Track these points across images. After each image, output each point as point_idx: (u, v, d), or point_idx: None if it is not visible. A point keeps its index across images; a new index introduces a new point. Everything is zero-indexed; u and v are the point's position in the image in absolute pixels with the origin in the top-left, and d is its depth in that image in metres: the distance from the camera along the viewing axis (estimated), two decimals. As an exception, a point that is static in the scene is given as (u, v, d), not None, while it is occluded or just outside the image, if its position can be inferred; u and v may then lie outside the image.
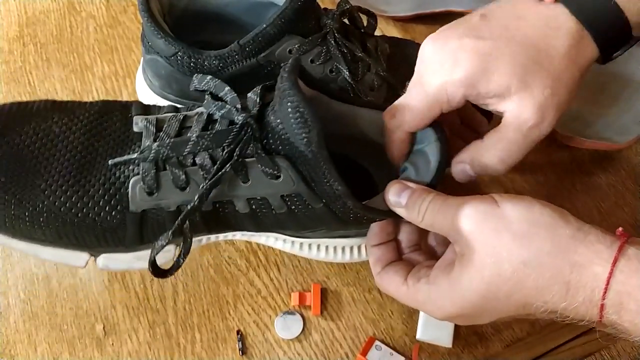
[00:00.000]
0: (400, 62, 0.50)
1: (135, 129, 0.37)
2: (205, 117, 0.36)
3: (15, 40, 0.61)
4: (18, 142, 0.35)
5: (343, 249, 0.45)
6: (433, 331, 0.45)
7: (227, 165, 0.34)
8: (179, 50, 0.46)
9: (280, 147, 0.34)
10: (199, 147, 0.35)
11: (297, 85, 0.33)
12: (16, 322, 0.47)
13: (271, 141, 0.34)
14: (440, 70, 0.37)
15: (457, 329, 0.45)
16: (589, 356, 0.45)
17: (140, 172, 0.35)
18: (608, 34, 0.37)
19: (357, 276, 0.48)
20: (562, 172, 0.53)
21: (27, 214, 0.35)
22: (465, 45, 0.37)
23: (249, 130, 0.35)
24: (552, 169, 0.53)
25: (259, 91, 0.37)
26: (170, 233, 0.35)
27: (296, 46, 0.45)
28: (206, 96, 0.38)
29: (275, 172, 0.34)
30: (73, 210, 0.35)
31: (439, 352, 0.45)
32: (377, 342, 0.45)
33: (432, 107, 0.38)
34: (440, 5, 0.60)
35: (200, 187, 0.35)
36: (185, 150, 0.35)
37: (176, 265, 0.36)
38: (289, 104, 0.32)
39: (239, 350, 0.45)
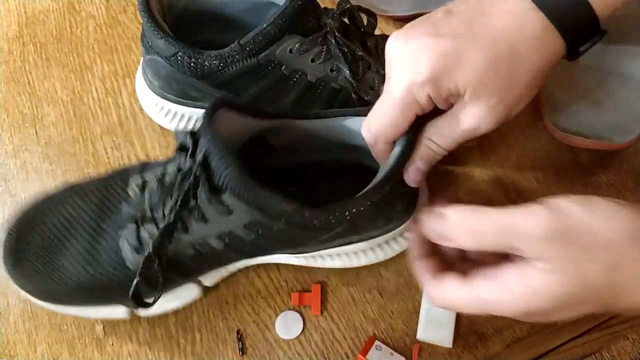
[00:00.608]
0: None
1: (130, 192, 0.42)
2: (159, 175, 0.40)
3: (14, 40, 0.61)
4: (45, 230, 0.42)
5: (356, 253, 0.46)
6: (433, 331, 0.45)
7: (171, 215, 0.37)
8: (179, 51, 0.46)
9: (224, 186, 0.36)
10: (153, 202, 0.39)
11: (207, 127, 0.36)
12: (16, 322, 0.47)
13: (218, 182, 0.36)
14: (403, 73, 0.37)
15: (457, 329, 0.45)
16: (589, 356, 0.45)
17: (125, 235, 0.40)
18: (575, 28, 0.36)
19: (357, 276, 0.48)
20: (562, 172, 0.53)
21: (60, 288, 0.41)
22: (425, 44, 0.36)
23: (191, 177, 0.37)
24: (552, 169, 0.53)
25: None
26: (142, 275, 0.38)
27: (296, 45, 0.45)
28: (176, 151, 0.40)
29: (225, 209, 0.37)
30: (88, 278, 0.41)
31: (439, 352, 0.45)
32: (377, 342, 0.45)
33: (405, 113, 0.38)
34: (440, 5, 0.60)
35: (154, 239, 0.37)
36: (144, 206, 0.39)
37: (154, 301, 0.40)
38: (207, 147, 0.36)
39: (239, 350, 0.45)
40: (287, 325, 0.46)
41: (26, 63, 0.59)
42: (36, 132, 0.55)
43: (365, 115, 0.40)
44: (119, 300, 0.43)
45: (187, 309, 0.47)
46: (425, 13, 0.60)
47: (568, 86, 0.54)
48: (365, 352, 0.45)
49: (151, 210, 0.39)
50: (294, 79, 0.47)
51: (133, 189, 0.41)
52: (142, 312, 0.45)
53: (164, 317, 0.47)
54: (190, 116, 0.51)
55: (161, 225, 0.38)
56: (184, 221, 0.38)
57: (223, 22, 0.52)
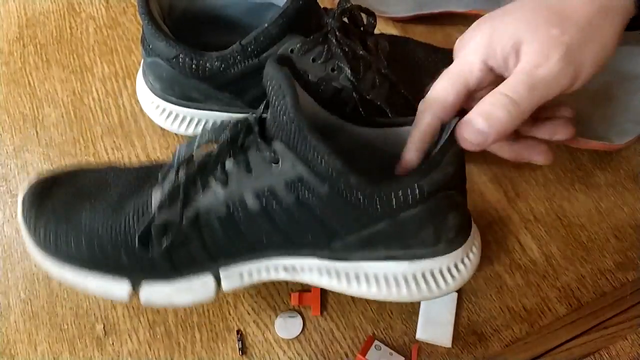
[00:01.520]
0: (400, 59, 0.50)
1: (175, 161, 0.39)
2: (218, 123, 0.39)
3: (15, 41, 0.61)
4: (81, 184, 0.41)
5: (396, 280, 0.40)
6: (432, 331, 0.45)
7: (213, 153, 0.36)
8: (180, 53, 0.46)
9: (275, 134, 0.35)
10: (203, 140, 0.37)
11: (272, 62, 0.35)
12: (16, 322, 0.47)
13: (268, 130, 0.35)
14: (461, 49, 0.39)
15: (456, 329, 0.45)
16: (587, 356, 0.45)
17: (161, 181, 0.38)
18: None
19: (356, 276, 0.48)
20: (562, 172, 0.53)
21: (70, 233, 0.38)
22: (480, 20, 0.39)
23: (245, 125, 0.36)
24: (552, 169, 0.53)
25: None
26: (167, 193, 0.36)
27: (297, 45, 0.45)
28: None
29: (273, 155, 0.35)
30: (106, 228, 0.38)
31: (439, 352, 0.45)
32: (376, 342, 0.45)
33: (455, 82, 0.38)
34: (440, 6, 0.61)
35: (188, 172, 0.36)
36: (194, 146, 0.37)
37: (161, 247, 0.37)
38: (268, 81, 0.35)
39: (239, 350, 0.45)
40: (287, 326, 0.46)
41: (27, 64, 0.59)
42: (37, 132, 0.55)
43: None
44: (126, 270, 0.39)
45: (187, 308, 0.47)
46: (423, 14, 0.61)
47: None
48: (364, 351, 0.45)
49: (192, 156, 0.37)
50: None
51: (176, 155, 0.39)
52: (147, 296, 0.41)
53: (164, 316, 0.47)
54: (191, 118, 0.52)
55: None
56: (225, 167, 0.36)
57: (222, 24, 0.53)
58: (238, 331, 0.46)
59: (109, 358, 0.45)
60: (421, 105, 0.40)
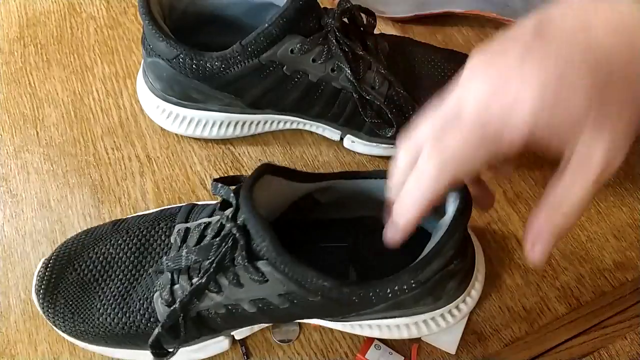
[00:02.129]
0: (399, 59, 0.50)
1: (172, 239, 0.41)
2: (201, 228, 0.39)
3: (15, 41, 0.61)
4: (83, 268, 0.42)
5: (398, 326, 0.42)
6: (439, 335, 0.45)
7: (203, 277, 0.36)
8: (180, 53, 0.46)
9: (262, 253, 0.35)
10: (190, 261, 0.37)
11: (247, 199, 0.35)
12: (17, 322, 0.47)
13: (256, 247, 0.35)
14: (496, 103, 0.30)
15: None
16: (587, 355, 0.45)
17: (160, 287, 0.39)
18: None
19: (356, 276, 0.49)
20: (561, 173, 0.53)
21: (89, 329, 0.41)
22: (527, 72, 0.29)
23: (229, 241, 0.36)
24: (552, 169, 0.53)
25: None
26: (164, 327, 0.38)
27: (298, 46, 0.45)
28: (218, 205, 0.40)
29: (261, 277, 0.36)
30: (119, 326, 0.41)
31: (438, 352, 0.45)
32: (376, 342, 0.45)
33: (482, 147, 0.31)
34: (439, 7, 0.61)
35: (183, 297, 0.37)
36: (181, 264, 0.38)
37: (172, 354, 0.39)
38: (246, 218, 0.35)
39: (243, 354, 0.45)
40: (283, 330, 0.46)
41: (27, 64, 0.60)
42: (37, 132, 0.55)
43: None
44: (145, 347, 0.41)
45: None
46: (423, 15, 0.61)
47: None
48: (364, 351, 0.45)
49: (188, 268, 0.38)
50: (296, 79, 0.47)
51: (175, 237, 0.40)
52: None
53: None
54: (191, 118, 0.52)
55: (195, 282, 0.37)
56: (217, 282, 0.37)
57: (222, 24, 0.53)
58: (238, 333, 0.46)
59: (109, 358, 0.45)
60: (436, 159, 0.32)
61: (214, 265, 0.36)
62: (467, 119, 0.31)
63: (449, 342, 0.45)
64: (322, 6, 0.47)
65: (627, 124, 0.30)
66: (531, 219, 0.33)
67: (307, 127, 0.54)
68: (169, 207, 0.46)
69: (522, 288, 0.48)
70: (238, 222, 0.36)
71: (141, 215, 0.45)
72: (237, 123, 0.52)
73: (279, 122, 0.53)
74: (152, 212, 0.45)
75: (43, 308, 0.42)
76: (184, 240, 0.40)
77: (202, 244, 0.37)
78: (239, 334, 0.44)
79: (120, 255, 0.42)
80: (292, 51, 0.45)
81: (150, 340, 0.38)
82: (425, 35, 0.61)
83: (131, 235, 0.43)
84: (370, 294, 0.35)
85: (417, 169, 0.33)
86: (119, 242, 0.43)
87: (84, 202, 0.52)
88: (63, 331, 0.42)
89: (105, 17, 0.63)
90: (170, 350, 0.39)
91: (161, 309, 0.39)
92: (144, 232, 0.43)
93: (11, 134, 0.55)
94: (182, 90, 0.49)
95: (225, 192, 0.38)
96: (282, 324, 0.46)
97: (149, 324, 0.40)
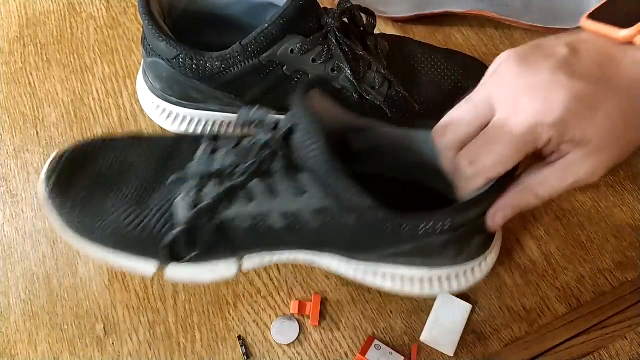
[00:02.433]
0: (399, 59, 0.50)
1: (198, 153, 0.39)
2: (234, 143, 0.38)
3: (15, 41, 0.61)
4: (99, 168, 0.40)
5: (412, 280, 0.42)
6: (438, 337, 0.45)
7: (242, 177, 0.35)
8: (180, 53, 0.46)
9: (302, 166, 0.34)
10: (226, 163, 0.36)
11: (301, 102, 0.34)
12: (17, 322, 0.47)
13: (298, 159, 0.34)
14: (531, 108, 0.33)
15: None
16: (587, 355, 0.45)
17: (185, 190, 0.38)
18: None
19: (356, 276, 0.49)
20: (561, 173, 0.53)
21: (97, 226, 0.39)
22: (561, 83, 0.32)
23: (270, 149, 0.35)
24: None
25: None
26: (186, 227, 0.36)
27: (298, 46, 0.45)
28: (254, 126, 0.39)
29: (299, 188, 0.35)
30: (132, 225, 0.39)
31: (438, 351, 0.45)
32: (376, 342, 0.45)
33: (520, 150, 0.34)
34: (439, 7, 0.61)
35: (215, 194, 0.36)
36: (216, 166, 0.37)
37: (187, 259, 0.38)
38: (298, 121, 0.33)
39: (243, 354, 0.45)
40: (283, 330, 0.46)
41: (27, 64, 0.60)
42: (37, 132, 0.55)
43: None
44: (151, 255, 0.40)
45: (187, 308, 0.47)
46: (423, 15, 0.61)
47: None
48: (364, 351, 0.45)
49: (220, 171, 0.36)
50: (296, 80, 0.47)
51: (203, 149, 0.39)
52: (171, 274, 0.42)
53: (164, 316, 0.47)
54: (191, 118, 0.52)
55: (227, 185, 0.35)
56: (250, 190, 0.36)
57: (222, 24, 0.53)
58: (239, 337, 0.46)
59: (109, 358, 0.45)
60: (470, 170, 0.36)
61: (254, 166, 0.34)
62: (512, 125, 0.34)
63: (447, 344, 0.45)
64: (322, 6, 0.47)
65: (622, 154, 0.34)
66: (503, 194, 0.37)
67: (307, 127, 0.54)
68: (189, 134, 0.44)
69: (522, 288, 0.48)
70: (280, 132, 0.34)
71: (160, 135, 0.44)
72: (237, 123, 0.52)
73: (279, 122, 0.53)
74: (170, 135, 0.43)
75: (51, 194, 0.39)
76: (213, 151, 0.38)
77: (239, 147, 0.36)
78: (250, 262, 0.42)
79: (139, 163, 0.40)
80: (292, 51, 0.45)
81: (167, 240, 0.36)
82: (425, 35, 0.61)
83: (152, 148, 0.41)
84: (403, 225, 0.35)
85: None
86: (139, 152, 0.41)
87: (84, 202, 0.52)
88: (67, 223, 0.40)
89: (105, 17, 0.63)
90: (185, 256, 0.37)
91: (181, 214, 0.37)
92: (167, 146, 0.41)
93: (11, 134, 0.55)
94: (182, 90, 0.49)
95: (260, 114, 0.37)
96: (282, 322, 0.46)
97: (163, 229, 0.38)
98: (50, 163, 0.40)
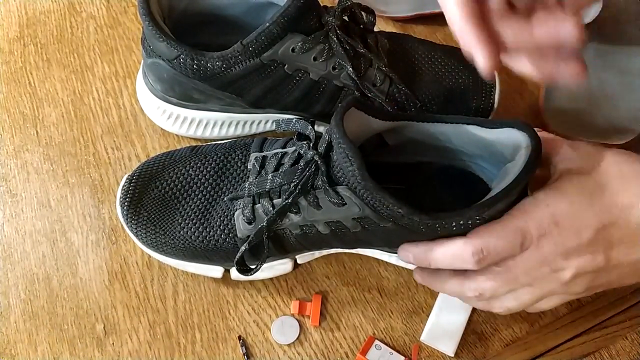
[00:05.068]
0: (400, 56, 0.50)
1: (249, 166, 0.44)
2: (279, 157, 0.42)
3: (15, 40, 0.61)
4: (165, 186, 0.46)
5: None
6: (438, 337, 0.45)
7: (289, 198, 0.39)
8: (181, 53, 0.46)
9: (342, 179, 0.38)
10: (275, 184, 0.41)
11: (339, 125, 0.37)
12: (17, 322, 0.47)
13: (336, 173, 0.38)
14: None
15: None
16: (588, 355, 0.45)
17: (241, 206, 0.43)
18: None
19: (357, 276, 0.48)
20: (561, 173, 0.53)
21: (169, 241, 0.45)
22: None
23: (312, 166, 0.39)
24: (551, 169, 0.53)
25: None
26: (250, 244, 0.41)
27: (299, 44, 0.45)
28: (294, 137, 0.43)
29: (339, 200, 0.38)
30: (199, 239, 0.44)
31: (438, 351, 0.45)
32: (376, 342, 0.45)
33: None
34: (437, 8, 0.60)
35: (269, 214, 0.40)
36: (266, 186, 0.41)
37: (255, 270, 0.42)
38: (335, 143, 0.37)
39: (243, 354, 0.45)
40: (284, 330, 0.46)
41: (27, 64, 0.59)
42: (37, 132, 0.55)
43: (489, 126, 0.40)
44: (219, 262, 0.46)
45: (187, 308, 0.47)
46: (423, 14, 0.61)
47: (567, 86, 0.54)
48: (365, 351, 0.45)
49: (270, 191, 0.41)
50: (297, 78, 0.47)
51: (252, 163, 0.44)
52: (235, 276, 0.47)
53: (164, 316, 0.47)
54: (192, 118, 0.52)
55: (277, 202, 0.41)
56: (298, 204, 0.40)
57: (222, 24, 0.53)
58: (240, 337, 0.46)
59: (109, 358, 0.45)
60: None
61: (299, 187, 0.39)
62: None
63: (448, 344, 0.45)
64: (322, 4, 0.47)
65: (588, 291, 0.38)
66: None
67: (308, 126, 0.54)
68: (242, 137, 0.49)
69: (522, 288, 0.48)
70: (319, 150, 0.39)
71: (216, 143, 0.48)
72: (238, 123, 0.52)
73: (279, 122, 0.53)
74: (227, 142, 0.48)
75: (127, 219, 0.45)
76: (262, 166, 0.43)
77: (284, 169, 0.41)
78: (302, 258, 0.47)
79: (200, 177, 0.46)
80: (293, 50, 0.45)
81: (237, 257, 0.41)
82: (425, 34, 0.61)
83: (209, 159, 0.46)
84: (437, 225, 0.37)
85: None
86: (198, 164, 0.46)
87: (84, 202, 0.52)
88: (143, 242, 0.46)
89: (105, 16, 0.62)
90: (252, 267, 0.42)
91: (241, 226, 0.43)
92: (221, 157, 0.46)
93: (11, 134, 0.55)
94: (183, 91, 0.49)
95: (301, 126, 0.41)
96: (282, 322, 0.46)
97: (227, 239, 0.43)
98: (122, 188, 0.45)
